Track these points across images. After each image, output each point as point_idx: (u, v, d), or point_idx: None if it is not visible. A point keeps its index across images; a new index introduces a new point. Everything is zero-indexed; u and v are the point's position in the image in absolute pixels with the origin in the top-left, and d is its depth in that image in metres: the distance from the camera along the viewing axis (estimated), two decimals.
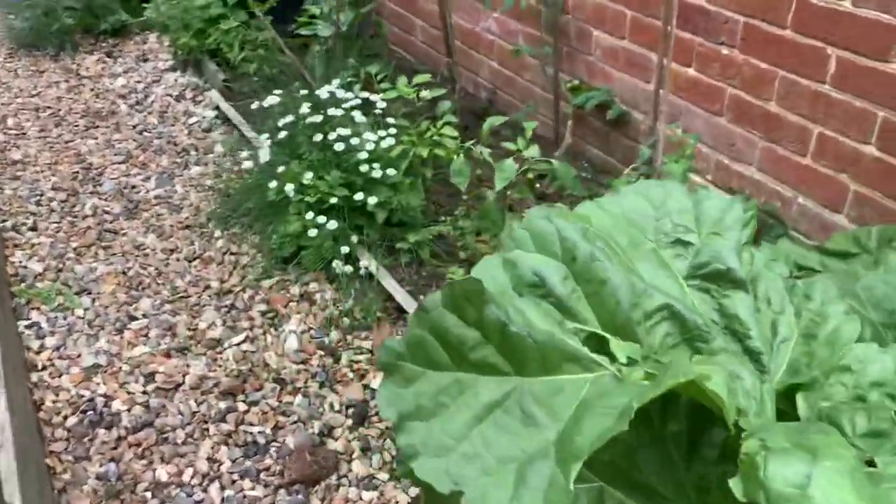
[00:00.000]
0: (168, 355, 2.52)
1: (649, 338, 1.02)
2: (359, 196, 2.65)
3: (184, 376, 2.44)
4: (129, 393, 2.39)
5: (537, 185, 2.81)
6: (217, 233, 3.08)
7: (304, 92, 2.90)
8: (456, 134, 2.77)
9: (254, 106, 3.02)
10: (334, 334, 2.57)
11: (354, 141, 2.65)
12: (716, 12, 2.48)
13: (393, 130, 2.75)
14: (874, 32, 2.05)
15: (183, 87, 4.26)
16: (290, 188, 2.65)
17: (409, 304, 2.53)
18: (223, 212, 3.13)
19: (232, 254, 2.98)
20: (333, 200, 2.68)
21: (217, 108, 3.93)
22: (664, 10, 2.28)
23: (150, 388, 2.41)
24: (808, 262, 2.24)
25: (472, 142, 2.44)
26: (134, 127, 3.89)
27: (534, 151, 2.21)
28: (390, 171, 2.68)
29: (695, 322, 1.03)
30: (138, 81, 4.35)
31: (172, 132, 3.84)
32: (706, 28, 2.53)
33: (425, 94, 2.85)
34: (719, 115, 2.60)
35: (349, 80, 3.18)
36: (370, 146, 2.64)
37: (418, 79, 3.02)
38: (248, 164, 2.82)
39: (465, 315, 0.90)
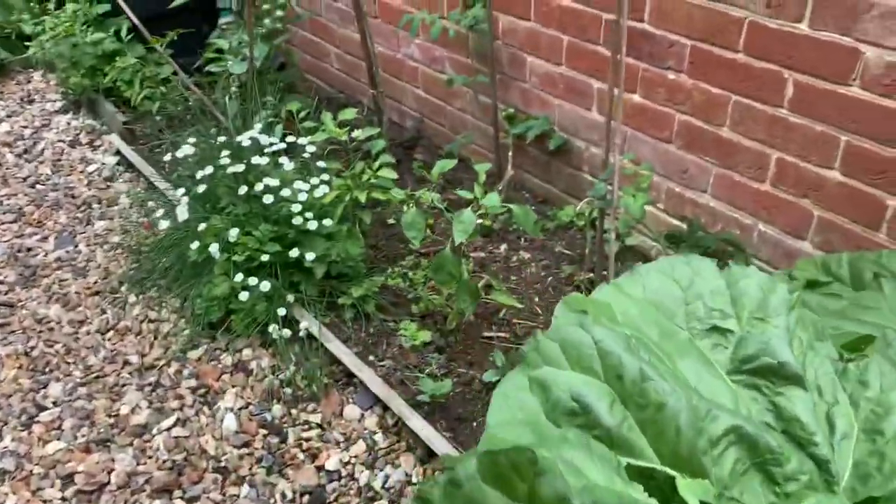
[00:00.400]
0: (88, 450, 2.21)
1: (717, 468, 0.85)
2: (293, 252, 2.40)
3: (109, 474, 2.14)
4: (44, 501, 2.06)
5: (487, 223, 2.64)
6: (132, 298, 2.76)
7: (221, 139, 2.63)
8: (395, 175, 2.56)
9: (166, 157, 2.72)
10: (277, 409, 2.31)
11: (285, 192, 2.40)
12: (661, 36, 2.37)
13: (326, 176, 2.52)
14: (833, 55, 1.97)
15: (77, 130, 3.87)
16: (214, 249, 2.38)
17: (358, 367, 2.30)
18: (137, 273, 2.81)
19: (151, 321, 2.67)
20: (264, 258, 2.42)
21: (118, 153, 3.58)
22: (613, 38, 2.15)
23: (69, 492, 2.09)
24: None
25: (422, 190, 2.23)
26: (24, 179, 3.50)
27: (493, 200, 2.03)
28: (326, 222, 2.45)
29: (767, 444, 0.87)
30: (24, 126, 3.93)
31: (70, 183, 3.47)
32: (651, 52, 2.42)
33: (358, 133, 2.63)
34: (668, 141, 2.50)
35: (269, 120, 2.92)
36: (303, 196, 2.39)
37: (344, 115, 2.80)
38: (163, 225, 2.52)
39: (512, 490, 0.70)
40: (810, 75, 2.04)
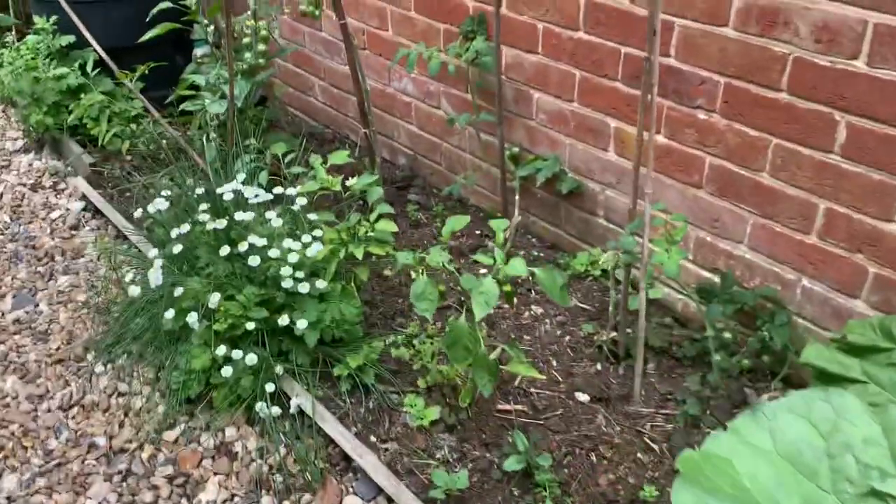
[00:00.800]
0: None
1: None
2: (283, 319, 2.12)
3: None
4: None
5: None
6: (99, 367, 2.45)
7: (199, 191, 2.35)
8: (394, 227, 2.30)
9: (137, 214, 2.43)
10: (266, 501, 2.02)
11: (273, 252, 2.12)
12: (689, 72, 2.14)
13: (318, 232, 2.24)
14: (894, 96, 1.75)
15: (39, 172, 3.57)
16: (192, 318, 2.09)
17: (359, 453, 2.02)
18: (105, 338, 2.50)
19: (121, 395, 2.37)
20: (250, 325, 2.14)
21: (84, 197, 3.28)
22: (644, 76, 1.91)
23: None
24: (844, 368, 1.90)
25: (432, 250, 1.95)
26: None
27: (519, 268, 1.77)
28: (319, 283, 2.17)
29: None
30: None
31: (30, 232, 3.16)
32: (677, 90, 2.19)
33: (353, 183, 2.36)
34: (698, 186, 2.26)
35: (253, 166, 2.64)
36: (293, 257, 2.12)
37: (335, 158, 2.54)
38: (134, 291, 2.23)
39: None
40: (867, 118, 1.82)
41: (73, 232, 3.16)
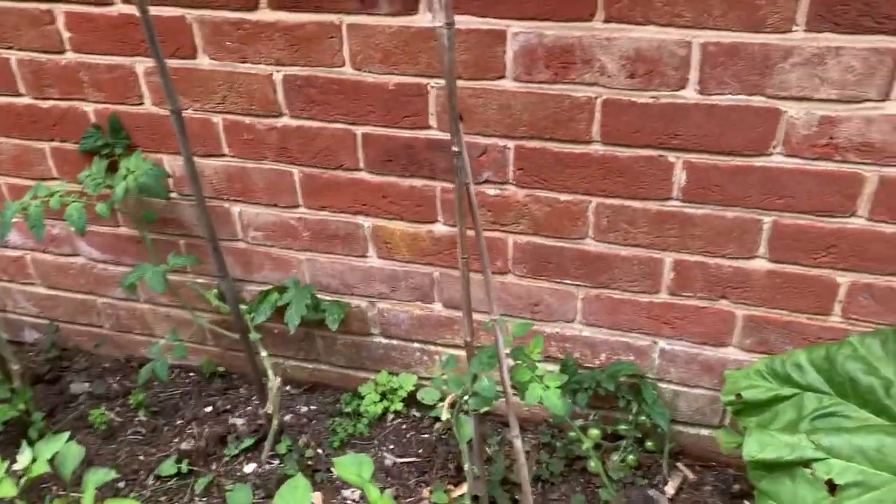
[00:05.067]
0: None
1: None
2: None
3: None
4: None
5: None
6: None
7: None
8: None
9: None
10: None
11: None
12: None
13: None
14: (742, 122, 1.45)
15: None
16: None
17: None
18: None
19: None
20: None
21: None
22: (456, 172, 1.33)
23: None
24: (791, 448, 1.61)
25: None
26: None
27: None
28: None
29: None
30: None
31: None
32: (449, 167, 1.67)
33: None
34: (503, 272, 1.78)
35: None
36: None
37: None
38: None
39: None
40: (708, 153, 1.50)
41: None
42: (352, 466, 1.19)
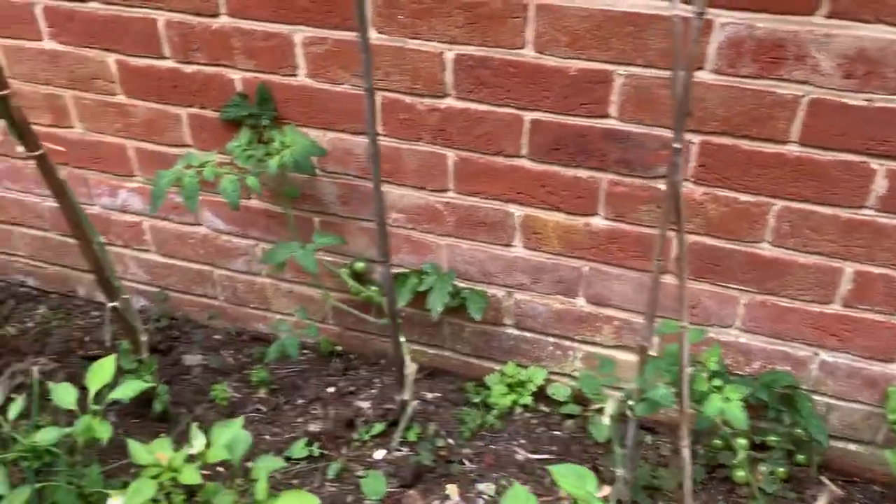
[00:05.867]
0: None
1: None
2: None
3: None
4: None
5: None
6: None
7: None
8: None
9: None
10: None
11: None
12: (642, 134, 1.54)
13: None
14: None
15: None
16: None
17: None
18: None
19: None
20: None
21: None
22: (669, 169, 1.26)
23: None
24: None
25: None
26: None
27: None
28: None
29: None
30: None
31: None
32: (624, 159, 1.59)
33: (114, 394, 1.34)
34: (661, 272, 1.71)
35: None
36: None
37: (96, 379, 1.46)
38: None
39: None
40: None
41: None
42: (573, 478, 1.13)
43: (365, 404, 1.97)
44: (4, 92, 1.37)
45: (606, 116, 1.55)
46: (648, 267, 1.71)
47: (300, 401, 2.01)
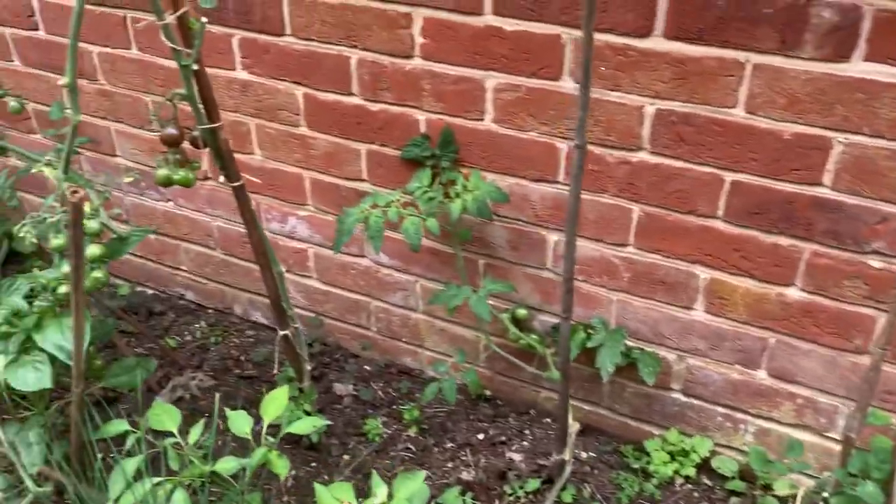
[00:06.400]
0: None
1: None
2: None
3: None
4: None
5: None
6: None
7: None
8: None
9: None
10: None
11: None
12: (857, 206, 1.44)
13: None
14: None
15: None
16: None
17: None
18: None
19: None
20: None
21: None
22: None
23: None
24: None
25: None
26: None
27: None
28: None
29: None
30: None
31: None
32: (834, 230, 1.48)
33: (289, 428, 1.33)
34: (859, 352, 1.58)
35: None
36: None
37: (270, 409, 1.47)
38: None
39: None
40: None
41: None
42: None
43: (517, 456, 1.92)
44: (217, 125, 1.42)
45: (819, 184, 1.45)
46: (845, 346, 1.59)
47: (449, 444, 1.98)
